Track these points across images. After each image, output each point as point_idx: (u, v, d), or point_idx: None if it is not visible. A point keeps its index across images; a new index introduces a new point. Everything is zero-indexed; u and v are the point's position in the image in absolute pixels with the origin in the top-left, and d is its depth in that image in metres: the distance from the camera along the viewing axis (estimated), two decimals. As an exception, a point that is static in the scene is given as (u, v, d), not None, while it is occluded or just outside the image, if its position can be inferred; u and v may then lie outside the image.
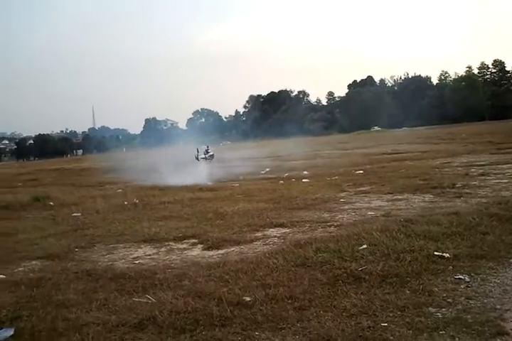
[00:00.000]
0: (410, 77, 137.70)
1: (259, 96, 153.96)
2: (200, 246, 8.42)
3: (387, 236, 7.30)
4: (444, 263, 6.03)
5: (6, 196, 18.98)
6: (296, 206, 11.72)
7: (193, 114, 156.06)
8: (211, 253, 7.86)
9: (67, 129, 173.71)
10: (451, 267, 5.90)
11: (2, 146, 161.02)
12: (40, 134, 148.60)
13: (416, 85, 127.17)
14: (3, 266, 7.80)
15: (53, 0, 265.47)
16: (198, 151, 22.89)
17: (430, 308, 4.77)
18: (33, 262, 8.03)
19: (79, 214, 13.06)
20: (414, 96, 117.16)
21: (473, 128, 55.52)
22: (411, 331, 4.29)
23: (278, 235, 8.75)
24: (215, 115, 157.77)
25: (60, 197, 16.68)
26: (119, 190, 18.78)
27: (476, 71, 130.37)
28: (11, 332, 4.86)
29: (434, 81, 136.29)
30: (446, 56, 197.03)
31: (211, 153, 23.44)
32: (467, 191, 11.94)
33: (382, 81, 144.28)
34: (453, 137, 43.61)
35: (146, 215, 11.93)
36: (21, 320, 5.17)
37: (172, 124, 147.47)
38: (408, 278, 5.57)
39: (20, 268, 7.67)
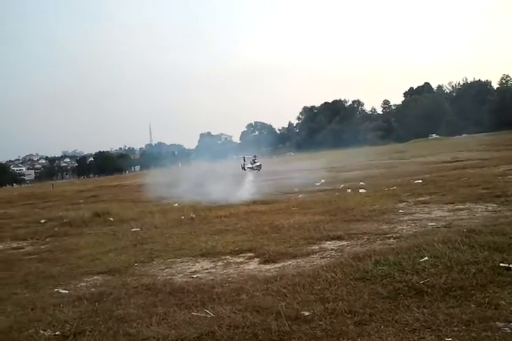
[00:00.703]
0: (469, 82, 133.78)
1: (312, 107, 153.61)
2: (256, 259, 8.41)
3: (450, 247, 7.07)
4: (510, 275, 5.76)
5: (69, 213, 19.67)
6: (353, 218, 11.54)
7: (246, 127, 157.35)
8: (268, 266, 7.83)
9: (125, 146, 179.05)
10: (518, 279, 5.62)
11: (64, 164, 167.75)
12: (99, 152, 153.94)
13: (475, 90, 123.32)
14: (67, 281, 8.06)
15: (111, 15, 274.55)
16: (244, 160, 22.21)
17: (497, 322, 4.56)
18: (95, 277, 8.25)
19: (138, 229, 13.35)
20: (473, 102, 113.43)
21: (537, 133, 53.25)
22: (478, 347, 4.10)
23: (335, 248, 8.64)
24: (269, 127, 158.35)
25: (120, 213, 17.12)
26: (176, 205, 19.07)
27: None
28: (75, 346, 4.99)
29: (495, 85, 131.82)
30: (507, 59, 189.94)
31: (258, 163, 22.43)
32: (533, 199, 11.40)
33: (439, 87, 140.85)
34: (516, 143, 41.91)
35: (203, 229, 12.06)
36: (84, 334, 5.31)
37: (226, 138, 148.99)
38: (473, 291, 5.36)
39: (82, 283, 7.89)
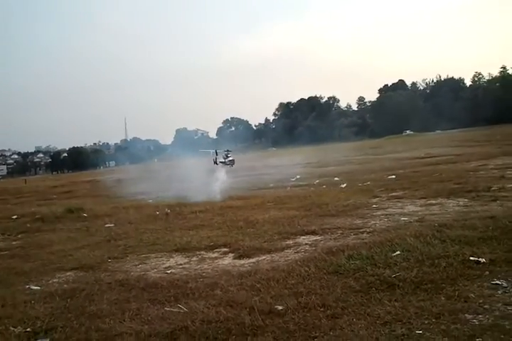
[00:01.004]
0: (443, 79, 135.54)
1: (288, 103, 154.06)
2: (231, 254, 8.41)
3: (421, 241, 7.17)
4: (480, 268, 5.88)
5: (42, 208, 19.39)
6: (328, 213, 11.62)
7: (223, 122, 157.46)
8: (242, 261, 7.84)
9: (99, 141, 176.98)
10: (487, 272, 5.74)
11: (37, 159, 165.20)
12: (74, 147, 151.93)
13: (449, 87, 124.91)
14: (39, 278, 7.95)
15: (89, 14, 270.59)
16: (216, 154, 20.78)
17: (466, 315, 4.65)
18: (68, 273, 8.16)
19: (112, 225, 13.23)
20: (447, 99, 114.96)
21: (509, 130, 54.18)
22: (447, 338, 4.18)
23: (309, 243, 8.69)
24: (245, 123, 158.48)
25: (94, 209, 16.94)
26: (150, 201, 18.94)
27: (510, 71, 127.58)
28: (46, 342, 4.93)
29: (468, 82, 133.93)
30: (480, 57, 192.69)
31: (231, 158, 21.00)
32: (503, 194, 11.63)
33: (414, 84, 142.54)
34: (488, 139, 42.65)
35: (178, 225, 12.01)
36: (56, 331, 5.25)
37: (203, 134, 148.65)
38: (443, 285, 5.45)
39: (54, 280, 7.80)
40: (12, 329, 5.42)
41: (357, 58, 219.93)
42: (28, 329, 5.37)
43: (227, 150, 20.88)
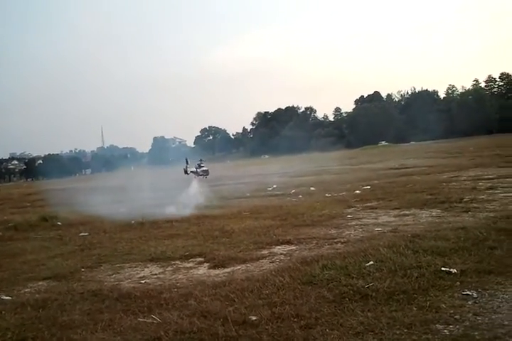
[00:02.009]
0: (417, 91, 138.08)
1: (266, 113, 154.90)
2: (206, 264, 8.39)
3: (394, 252, 7.27)
4: (451, 278, 5.98)
5: (15, 216, 19.08)
6: (303, 223, 11.68)
7: (200, 131, 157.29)
8: (217, 271, 7.83)
9: (76, 149, 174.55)
10: (458, 283, 5.84)
11: (11, 166, 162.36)
12: (49, 154, 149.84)
13: (423, 99, 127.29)
14: (10, 287, 7.81)
15: (63, 15, 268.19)
16: (187, 163, 19.14)
17: (437, 325, 4.72)
18: (40, 283, 8.04)
19: (86, 233, 13.08)
20: (421, 111, 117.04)
21: (481, 142, 55.38)
22: (418, 349, 4.23)
23: (284, 252, 8.72)
24: (223, 132, 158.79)
25: (68, 217, 16.71)
26: (123, 210, 18.75)
27: (483, 84, 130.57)
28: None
29: (442, 95, 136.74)
30: (453, 70, 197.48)
31: (204, 168, 19.27)
32: (475, 205, 11.85)
33: (389, 96, 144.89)
34: (460, 151, 43.47)
35: (153, 234, 11.93)
36: (26, 341, 5.15)
37: (180, 142, 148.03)
38: (415, 295, 5.52)
39: (26, 289, 7.67)
40: (-19, 340, 5.32)
41: (333, 69, 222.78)
42: (-2, 341, 5.28)
43: (201, 160, 19.70)
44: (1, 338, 5.34)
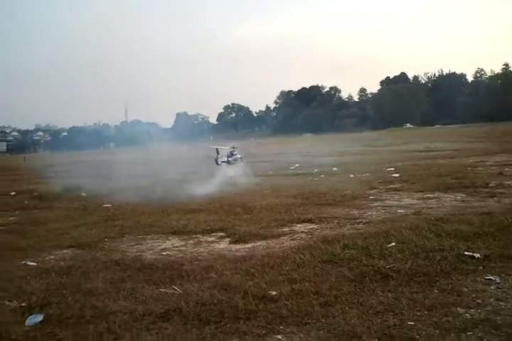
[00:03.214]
0: (445, 74, 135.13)
1: (290, 91, 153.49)
2: (227, 239, 8.46)
3: (417, 234, 7.22)
4: (474, 263, 5.92)
5: (40, 186, 19.42)
6: (325, 202, 11.66)
7: (223, 108, 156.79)
8: (238, 246, 7.89)
9: (100, 122, 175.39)
10: (481, 267, 5.79)
11: (37, 138, 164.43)
12: (73, 126, 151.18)
13: (450, 82, 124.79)
14: (35, 254, 7.99)
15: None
16: (218, 153, 17.70)
17: (458, 308, 4.70)
18: (64, 251, 8.21)
19: (109, 205, 13.26)
20: (448, 94, 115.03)
21: (509, 127, 54.15)
22: (438, 330, 4.22)
23: (305, 231, 8.73)
24: (246, 110, 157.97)
25: (92, 189, 16.93)
26: (146, 183, 18.86)
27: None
28: (40, 317, 4.97)
29: (470, 78, 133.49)
30: (483, 53, 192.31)
31: (237, 156, 18.04)
32: (501, 191, 11.69)
33: (415, 78, 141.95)
34: (487, 136, 42.69)
35: (175, 208, 12.02)
36: (50, 306, 5.28)
37: (203, 119, 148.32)
38: (437, 278, 5.49)
39: (51, 256, 7.84)
40: (7, 303, 5.46)
41: (360, 49, 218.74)
42: (23, 304, 5.41)
43: (233, 147, 18.31)
44: (26, 302, 5.47)
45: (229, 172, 17.37)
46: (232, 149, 18.24)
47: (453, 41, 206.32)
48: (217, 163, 17.64)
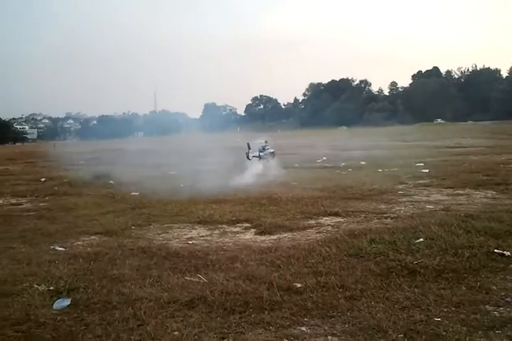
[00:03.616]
0: (478, 69, 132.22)
1: (319, 84, 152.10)
2: (253, 230, 8.46)
3: (446, 230, 7.10)
4: (504, 261, 5.82)
5: (69, 173, 19.75)
6: (352, 196, 11.57)
7: (251, 100, 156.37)
8: (264, 238, 7.88)
9: (129, 111, 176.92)
10: (511, 266, 5.68)
11: (67, 125, 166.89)
12: (103, 115, 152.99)
13: (484, 78, 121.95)
14: (63, 239, 8.13)
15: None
16: (249, 147, 17.09)
17: (487, 306, 4.61)
18: (92, 237, 8.33)
19: (137, 193, 13.39)
20: (481, 90, 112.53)
21: (544, 125, 52.89)
22: (465, 328, 4.15)
23: (332, 224, 8.68)
24: (274, 102, 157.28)
25: (120, 177, 17.13)
26: (173, 173, 19.00)
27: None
28: (68, 302, 5.06)
29: (504, 74, 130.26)
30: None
31: (269, 150, 17.42)
32: (534, 189, 11.41)
33: (448, 72, 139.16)
34: (521, 133, 41.72)
35: (201, 198, 12.06)
36: (78, 291, 5.37)
37: (231, 110, 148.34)
38: (465, 275, 5.41)
39: (79, 242, 7.97)
40: (36, 286, 5.56)
41: (392, 42, 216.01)
42: (51, 288, 5.50)
43: (266, 142, 17.71)
44: (54, 286, 5.57)
45: (258, 165, 17.15)
46: (264, 143, 17.64)
47: (488, 35, 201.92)
48: (248, 158, 17.13)
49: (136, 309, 4.76)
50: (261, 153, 17.21)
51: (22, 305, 4.96)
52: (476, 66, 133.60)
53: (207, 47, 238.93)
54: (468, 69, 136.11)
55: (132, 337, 4.19)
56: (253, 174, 16.38)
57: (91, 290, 5.35)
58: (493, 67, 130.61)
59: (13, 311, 4.82)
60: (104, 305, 4.93)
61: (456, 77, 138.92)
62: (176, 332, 4.27)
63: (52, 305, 5.01)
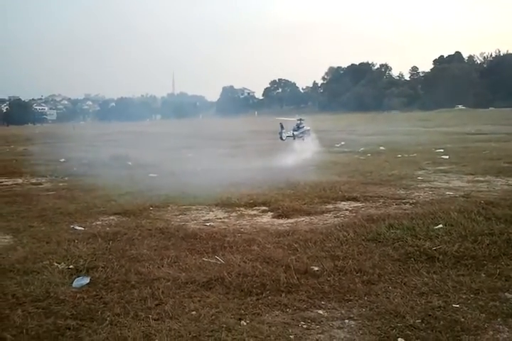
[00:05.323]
0: (502, 54, 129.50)
1: (338, 68, 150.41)
2: (270, 213, 8.46)
3: (466, 217, 7.02)
4: (524, 249, 5.72)
5: (88, 154, 19.89)
6: (371, 181, 11.51)
7: (270, 83, 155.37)
8: (281, 221, 7.88)
9: (147, 94, 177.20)
10: (532, 253, 5.58)
11: (86, 107, 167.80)
12: (121, 97, 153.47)
13: (508, 63, 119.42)
14: (83, 219, 8.22)
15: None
16: (282, 127, 16.02)
17: (506, 294, 4.56)
18: (111, 217, 8.40)
19: (155, 175, 13.45)
20: (504, 76, 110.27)
21: None
22: (484, 314, 4.12)
23: (350, 208, 8.64)
24: (293, 86, 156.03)
25: (138, 158, 17.22)
26: (190, 155, 19.01)
27: None
28: (87, 280, 5.12)
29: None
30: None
31: (305, 128, 16.41)
32: (556, 176, 11.22)
33: (470, 57, 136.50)
34: (544, 120, 40.95)
35: (218, 180, 12.05)
36: (97, 270, 5.43)
37: (249, 93, 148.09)
38: (485, 262, 5.35)
39: (98, 222, 8.05)
40: (56, 264, 5.64)
41: (414, 26, 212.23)
42: (71, 267, 5.58)
43: (300, 120, 16.70)
44: (73, 264, 5.64)
45: (281, 148, 16.64)
46: (298, 121, 16.75)
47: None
48: (281, 139, 16.19)
49: (154, 289, 4.81)
50: (295, 132, 16.33)
51: (42, 283, 5.04)
52: (499, 51, 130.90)
53: (226, 30, 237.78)
54: (491, 55, 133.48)
55: (150, 316, 4.23)
56: (271, 157, 16.25)
57: (109, 269, 5.41)
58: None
59: (34, 288, 4.89)
60: (122, 284, 4.99)
61: (479, 62, 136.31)
62: (193, 312, 4.30)
63: (72, 283, 5.09)
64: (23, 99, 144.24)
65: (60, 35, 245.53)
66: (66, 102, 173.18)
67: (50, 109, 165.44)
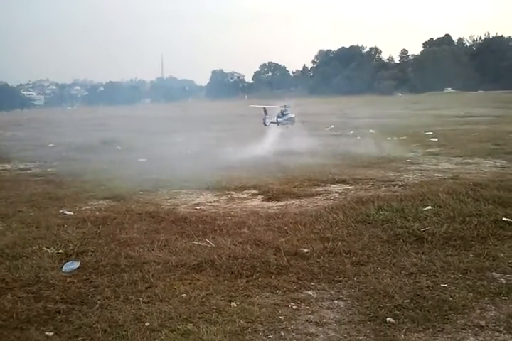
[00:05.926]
0: (491, 37, 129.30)
1: (328, 51, 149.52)
2: (260, 196, 8.47)
3: (454, 198, 7.08)
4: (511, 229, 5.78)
5: (77, 139, 19.73)
6: (360, 164, 11.54)
7: (259, 67, 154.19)
8: (271, 204, 7.90)
9: (136, 78, 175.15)
10: (519, 234, 5.64)
11: (74, 92, 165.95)
12: (110, 81, 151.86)
13: (497, 46, 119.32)
14: (72, 204, 8.18)
15: None
16: (265, 113, 15.74)
17: (494, 273, 4.63)
18: (100, 202, 8.37)
19: (144, 159, 13.39)
20: (493, 58, 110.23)
21: (556, 94, 52.06)
22: (472, 294, 4.18)
23: (339, 191, 8.67)
24: (283, 69, 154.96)
25: (128, 143, 17.12)
26: (179, 139, 18.91)
27: None
28: (77, 265, 5.11)
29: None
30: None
31: (289, 116, 16.10)
32: (544, 158, 11.32)
33: (460, 40, 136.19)
34: (533, 102, 41.11)
35: (208, 164, 12.02)
36: (87, 254, 5.43)
37: (238, 77, 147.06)
38: (473, 242, 5.41)
39: (87, 207, 8.01)
40: (45, 249, 5.62)
41: (403, 9, 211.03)
42: (61, 251, 5.56)
43: (285, 106, 16.34)
44: (63, 249, 5.63)
45: (270, 132, 16.36)
46: (283, 108, 16.31)
47: (502, 2, 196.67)
48: (265, 124, 15.87)
49: (144, 272, 4.82)
50: (279, 119, 16.02)
51: (32, 267, 5.02)
52: (488, 34, 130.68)
53: (215, 14, 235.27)
54: (480, 38, 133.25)
55: (141, 299, 4.24)
56: (260, 141, 16.18)
57: (99, 254, 5.41)
58: (506, 36, 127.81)
59: (23, 273, 4.88)
60: (112, 268, 4.99)
61: (468, 45, 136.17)
62: (183, 295, 4.32)
63: (62, 267, 5.08)
64: (10, 85, 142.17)
65: (47, 19, 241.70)
66: (54, 87, 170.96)
67: (38, 94, 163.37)
